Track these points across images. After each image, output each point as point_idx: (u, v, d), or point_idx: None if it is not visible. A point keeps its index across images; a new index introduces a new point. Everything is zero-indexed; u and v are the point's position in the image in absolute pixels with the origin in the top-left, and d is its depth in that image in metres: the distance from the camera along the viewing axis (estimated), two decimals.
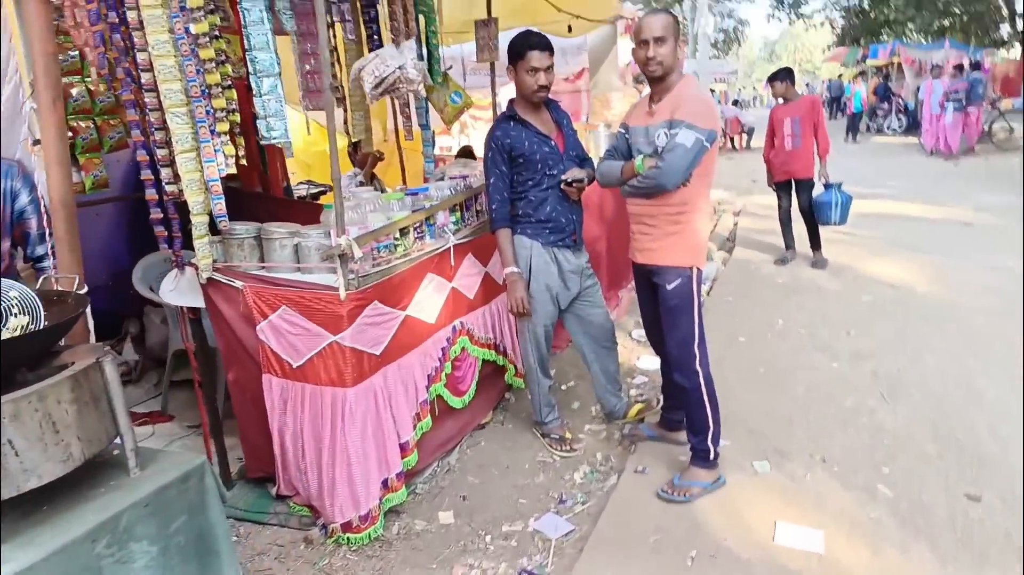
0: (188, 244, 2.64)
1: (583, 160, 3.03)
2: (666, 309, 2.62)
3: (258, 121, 2.44)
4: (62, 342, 1.48)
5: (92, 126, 3.05)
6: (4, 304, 1.46)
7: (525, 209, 2.87)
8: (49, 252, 2.06)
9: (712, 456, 2.67)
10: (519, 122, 2.83)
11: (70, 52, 2.92)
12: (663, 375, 2.99)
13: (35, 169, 2.12)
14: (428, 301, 2.87)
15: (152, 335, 4.07)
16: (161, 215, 2.62)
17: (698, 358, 2.61)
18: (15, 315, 1.51)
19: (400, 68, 2.63)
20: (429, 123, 3.86)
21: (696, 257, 2.58)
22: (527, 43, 2.73)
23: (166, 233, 2.66)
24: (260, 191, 4.26)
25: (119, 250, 3.99)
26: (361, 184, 5.17)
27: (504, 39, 3.76)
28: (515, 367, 3.63)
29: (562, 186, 2.84)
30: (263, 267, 2.56)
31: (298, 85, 3.18)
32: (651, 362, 3.88)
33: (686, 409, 2.72)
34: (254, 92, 2.41)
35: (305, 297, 2.43)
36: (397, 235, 2.70)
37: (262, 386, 2.59)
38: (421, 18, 3.57)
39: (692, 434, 2.71)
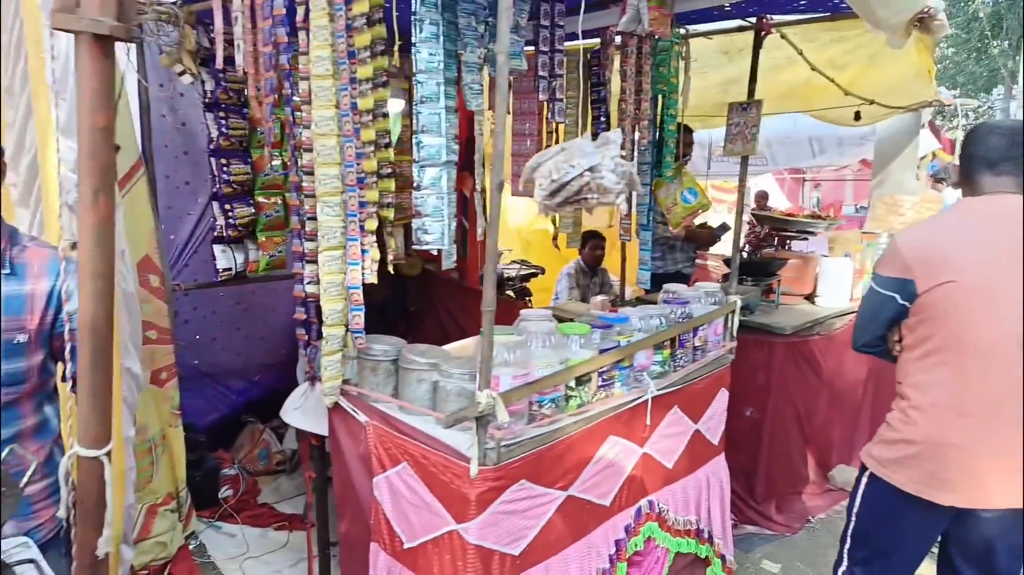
0: None
1: None
2: None
3: (413, 221, 1.92)
4: None
5: (280, 202, 2.83)
6: None
7: None
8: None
9: None
10: None
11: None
12: None
13: None
14: (605, 474, 2.08)
15: None
16: (304, 316, 2.21)
17: None
18: None
19: (591, 171, 1.85)
20: (652, 223, 3.12)
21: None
22: None
23: (307, 337, 2.23)
24: (455, 277, 3.85)
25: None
26: (584, 273, 4.59)
27: (766, 124, 2.92)
28: (723, 559, 2.65)
29: None
30: (393, 402, 1.99)
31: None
32: None
33: None
34: (414, 183, 1.90)
35: (429, 458, 1.79)
36: (572, 384, 1.97)
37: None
38: (659, 98, 2.90)
39: None
